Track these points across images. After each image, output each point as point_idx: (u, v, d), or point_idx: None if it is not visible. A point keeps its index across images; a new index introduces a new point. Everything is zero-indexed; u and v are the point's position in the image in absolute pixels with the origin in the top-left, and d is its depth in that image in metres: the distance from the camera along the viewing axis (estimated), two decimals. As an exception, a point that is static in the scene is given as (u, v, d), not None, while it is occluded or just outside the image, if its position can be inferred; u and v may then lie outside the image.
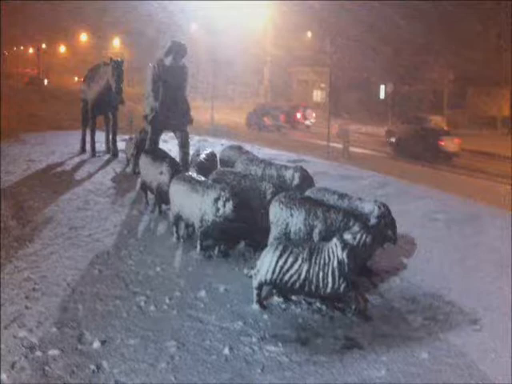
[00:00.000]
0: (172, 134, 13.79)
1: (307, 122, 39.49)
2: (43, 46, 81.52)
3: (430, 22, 38.97)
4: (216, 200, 8.36)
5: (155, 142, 12.44)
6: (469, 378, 5.80)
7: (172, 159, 10.90)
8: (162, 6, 41.89)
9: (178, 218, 9.25)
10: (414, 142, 27.59)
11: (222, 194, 8.35)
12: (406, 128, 30.43)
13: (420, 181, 15.99)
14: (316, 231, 7.83)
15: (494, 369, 5.96)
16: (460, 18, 37.82)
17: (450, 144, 27.09)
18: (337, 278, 6.74)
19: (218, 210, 8.36)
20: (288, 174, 10.09)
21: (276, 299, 7.26)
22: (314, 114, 39.83)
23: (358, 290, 7.12)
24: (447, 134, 28.55)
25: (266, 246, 7.54)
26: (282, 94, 53.90)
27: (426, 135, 27.83)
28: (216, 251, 8.78)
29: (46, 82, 68.28)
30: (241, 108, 47.80)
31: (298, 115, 39.35)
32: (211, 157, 11.76)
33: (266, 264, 6.89)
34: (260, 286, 7.06)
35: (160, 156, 11.01)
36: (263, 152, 17.14)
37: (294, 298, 7.29)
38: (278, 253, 6.85)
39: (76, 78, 71.48)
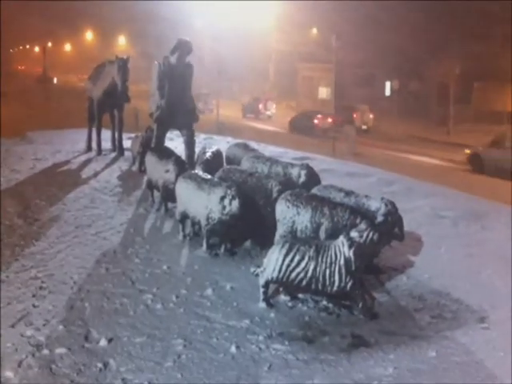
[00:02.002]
0: (178, 132, 13.79)
1: (268, 113, 43.41)
2: (49, 44, 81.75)
3: (436, 17, 38.85)
4: (222, 198, 8.35)
5: (161, 140, 12.42)
6: (476, 377, 5.76)
7: (178, 157, 10.88)
8: (167, 3, 41.90)
9: (184, 216, 9.25)
10: (301, 121, 37.26)
11: (229, 191, 8.33)
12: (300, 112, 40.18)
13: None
14: (322, 229, 7.80)
15: (501, 367, 5.91)
16: (466, 12, 37.67)
17: (321, 122, 36.63)
18: (343, 276, 6.72)
19: (224, 207, 8.34)
20: (294, 171, 10.06)
21: (283, 297, 7.25)
22: (274, 106, 42.76)
23: (365, 287, 7.10)
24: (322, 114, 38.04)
25: (272, 244, 7.54)
26: (287, 90, 53.80)
27: (308, 117, 37.47)
28: (222, 249, 8.78)
29: (55, 80, 68.49)
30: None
31: (260, 106, 42.23)
32: (217, 155, 11.73)
33: (273, 262, 6.88)
34: (266, 284, 7.05)
35: (166, 154, 10.99)
36: (268, 149, 17.10)
37: (300, 296, 7.28)
38: (284, 251, 6.84)
39: (81, 76, 71.79)
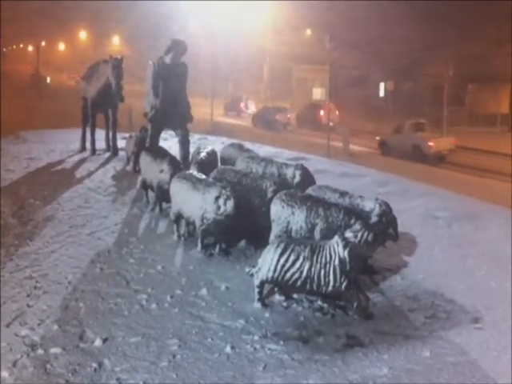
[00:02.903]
0: (172, 132, 13.78)
1: (249, 111, 45.25)
2: (42, 43, 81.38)
3: (430, 18, 38.94)
4: (217, 198, 8.35)
5: (155, 139, 12.42)
6: (470, 377, 5.79)
7: (172, 157, 10.88)
8: (161, 3, 41.83)
9: (179, 217, 9.25)
10: (264, 116, 40.15)
11: (223, 192, 8.33)
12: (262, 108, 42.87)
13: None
14: (317, 229, 7.83)
15: (495, 367, 5.94)
16: (459, 13, 37.79)
17: (282, 118, 39.15)
18: (338, 276, 6.74)
19: (218, 208, 8.35)
20: (289, 172, 10.08)
21: (277, 297, 7.26)
22: (254, 104, 44.61)
23: (360, 288, 7.12)
24: (284, 110, 41.05)
25: (267, 244, 7.54)
26: (282, 91, 53.82)
27: (271, 113, 40.06)
28: (217, 249, 8.78)
29: (48, 79, 68.22)
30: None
31: (242, 105, 44.43)
32: (212, 155, 11.73)
33: (268, 262, 6.88)
34: (261, 285, 7.06)
35: (160, 154, 10.98)
36: (263, 150, 17.12)
37: (295, 296, 7.29)
38: (279, 251, 6.85)
39: (75, 76, 71.59)
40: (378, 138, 29.86)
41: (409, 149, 27.00)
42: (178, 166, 10.29)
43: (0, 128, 19.30)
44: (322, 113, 37.93)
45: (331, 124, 34.73)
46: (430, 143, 24.37)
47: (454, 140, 27.20)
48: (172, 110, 12.18)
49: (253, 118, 42.05)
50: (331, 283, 6.75)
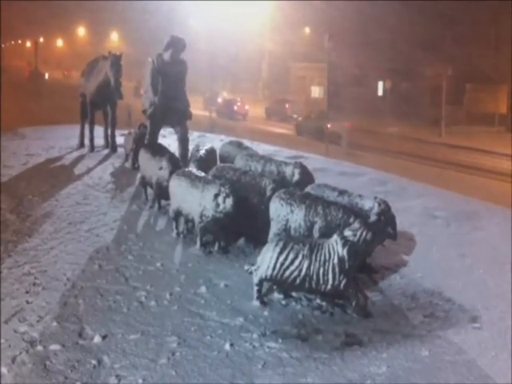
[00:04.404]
0: (171, 129, 13.77)
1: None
2: (40, 39, 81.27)
3: (429, 18, 38.97)
4: (216, 196, 8.35)
5: (154, 136, 12.41)
6: (468, 376, 5.81)
7: (172, 154, 10.86)
8: (160, 0, 41.81)
9: (178, 214, 9.25)
10: (224, 108, 43.97)
11: (222, 189, 8.33)
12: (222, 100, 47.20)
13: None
14: (316, 228, 7.84)
15: (493, 367, 5.97)
16: (458, 13, 37.80)
17: (241, 109, 44.71)
18: (337, 275, 6.75)
19: (217, 205, 8.34)
20: (288, 170, 10.08)
21: (276, 295, 7.26)
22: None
23: (358, 286, 7.14)
24: (239, 103, 45.64)
25: (266, 242, 7.54)
26: (280, 89, 53.84)
27: (230, 103, 45.27)
28: (216, 247, 8.78)
29: (46, 75, 68.15)
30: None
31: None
32: (211, 152, 11.72)
33: (267, 260, 6.89)
34: (260, 283, 7.06)
35: (159, 151, 10.96)
36: (262, 148, 17.11)
37: (294, 294, 7.29)
38: (278, 249, 6.86)
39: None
40: (295, 122, 38.28)
41: (314, 130, 33.33)
42: (177, 164, 10.27)
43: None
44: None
45: (295, 116, 42.19)
46: (328, 125, 28.70)
47: (349, 124, 31.77)
48: (171, 107, 12.17)
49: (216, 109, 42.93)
50: (330, 281, 6.75)
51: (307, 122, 35.81)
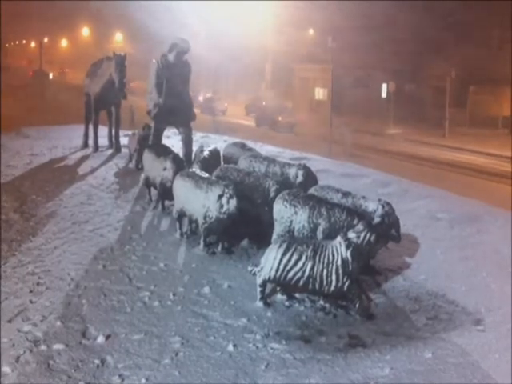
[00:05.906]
0: (175, 130, 13.78)
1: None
2: (45, 39, 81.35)
3: (433, 20, 38.92)
4: (220, 197, 8.36)
5: (158, 137, 12.43)
6: (472, 378, 5.80)
7: (175, 155, 10.86)
8: (164, 1, 41.81)
9: (182, 215, 9.26)
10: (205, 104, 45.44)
11: (226, 190, 8.34)
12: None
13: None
14: (320, 229, 7.83)
15: (496, 369, 5.96)
16: (462, 15, 37.79)
17: (220, 106, 47.22)
18: (340, 277, 6.75)
19: (221, 206, 8.35)
20: (292, 171, 10.08)
21: (280, 297, 7.28)
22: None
23: (362, 288, 7.15)
24: (219, 100, 48.81)
25: (269, 243, 7.56)
26: (284, 90, 53.80)
27: (210, 100, 47.45)
28: (219, 248, 8.79)
29: (51, 75, 68.23)
30: (243, 104, 48.22)
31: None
32: (215, 153, 11.72)
33: (270, 261, 6.90)
34: (264, 284, 7.07)
35: (163, 152, 10.97)
36: (265, 149, 17.10)
37: (297, 295, 7.30)
38: (282, 250, 6.86)
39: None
40: (253, 114, 44.75)
41: (270, 121, 39.50)
42: (180, 164, 10.29)
43: (1, 123, 19.31)
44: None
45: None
46: (279, 118, 37.62)
47: (299, 117, 39.73)
48: (175, 108, 12.20)
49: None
50: (333, 283, 6.76)
51: (264, 115, 41.60)
